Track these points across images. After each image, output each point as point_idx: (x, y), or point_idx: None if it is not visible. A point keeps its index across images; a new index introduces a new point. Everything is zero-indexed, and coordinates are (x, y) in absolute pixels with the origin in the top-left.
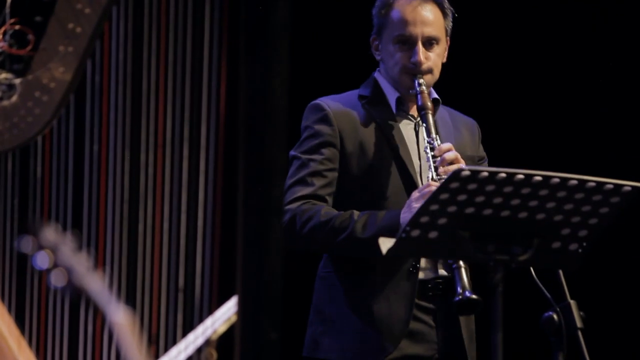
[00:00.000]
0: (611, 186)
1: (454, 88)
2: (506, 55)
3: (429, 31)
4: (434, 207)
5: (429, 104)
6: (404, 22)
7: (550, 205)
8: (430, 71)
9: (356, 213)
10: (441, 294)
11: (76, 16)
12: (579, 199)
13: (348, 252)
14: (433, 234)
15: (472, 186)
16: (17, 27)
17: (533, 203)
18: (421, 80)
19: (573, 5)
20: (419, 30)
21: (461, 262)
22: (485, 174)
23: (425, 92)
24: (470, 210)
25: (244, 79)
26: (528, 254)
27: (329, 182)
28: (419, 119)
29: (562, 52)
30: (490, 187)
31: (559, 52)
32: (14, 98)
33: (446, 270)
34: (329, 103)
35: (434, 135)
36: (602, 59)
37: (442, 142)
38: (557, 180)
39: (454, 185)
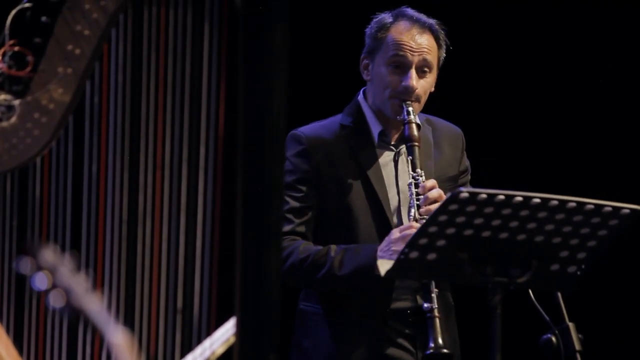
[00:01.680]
0: (610, 209)
1: (449, 100)
2: (504, 69)
3: (424, 58)
4: (433, 229)
5: (416, 134)
6: (399, 46)
7: (549, 227)
8: (418, 99)
9: (333, 249)
10: (420, 320)
11: (75, 38)
12: (577, 222)
13: (326, 288)
14: (431, 256)
15: (470, 208)
16: (16, 48)
17: (531, 225)
18: (410, 109)
19: (568, 12)
20: (414, 56)
21: (435, 312)
22: (484, 196)
23: (413, 121)
24: (468, 232)
25: (243, 100)
26: (526, 276)
27: (307, 219)
28: (401, 148)
29: (561, 65)
30: (488, 209)
31: (557, 65)
32: (13, 119)
33: (424, 300)
34: (308, 135)
35: (419, 170)
36: (603, 73)
37: (424, 169)
38: (555, 202)
39: (453, 207)
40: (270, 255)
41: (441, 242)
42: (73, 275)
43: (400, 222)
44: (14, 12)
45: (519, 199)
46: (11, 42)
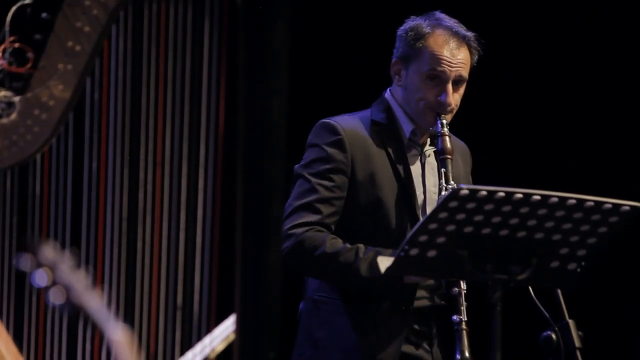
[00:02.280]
0: (610, 206)
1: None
2: (506, 66)
3: (461, 72)
4: (433, 225)
5: (449, 147)
6: (438, 60)
7: (549, 224)
8: (452, 111)
9: (361, 249)
10: (437, 320)
11: (76, 34)
12: (577, 219)
13: (349, 286)
14: (432, 253)
15: (470, 205)
16: (16, 45)
17: (532, 222)
18: (444, 121)
19: (568, 10)
20: (452, 70)
21: (463, 324)
22: (484, 193)
23: (447, 134)
24: (468, 229)
25: (243, 97)
26: (526, 273)
27: (335, 210)
28: (426, 150)
29: (561, 63)
30: (489, 206)
31: (558, 63)
32: (13, 116)
33: (442, 300)
34: (344, 126)
35: (453, 182)
36: (602, 72)
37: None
38: (555, 199)
39: (453, 204)
40: (271, 252)
41: (441, 239)
42: (73, 272)
43: None
44: (14, 8)
45: (519, 196)
46: (11, 38)
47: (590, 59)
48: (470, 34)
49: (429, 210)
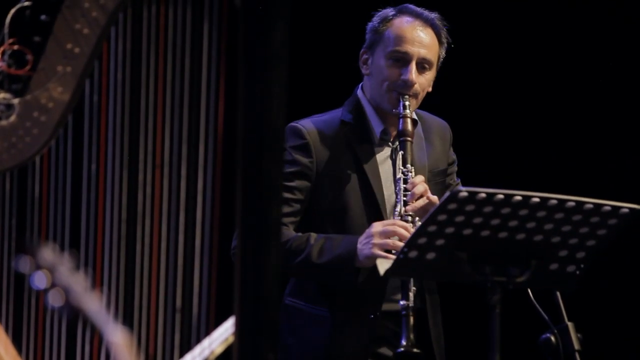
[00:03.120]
0: (609, 208)
1: (448, 100)
2: (505, 68)
3: (425, 53)
4: (432, 228)
5: (410, 129)
6: (401, 39)
7: (548, 226)
8: (416, 95)
9: (313, 236)
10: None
11: (75, 36)
12: (576, 221)
13: (301, 275)
14: (431, 255)
15: (469, 207)
16: (15, 47)
17: (531, 224)
18: (407, 103)
19: (565, 8)
20: (415, 50)
21: (410, 310)
22: (483, 195)
23: (409, 116)
24: (467, 231)
25: (242, 99)
26: (525, 275)
27: (293, 211)
28: (396, 144)
29: (560, 64)
30: (487, 209)
31: (557, 65)
32: (13, 118)
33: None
34: (310, 130)
35: (409, 166)
36: (602, 72)
37: (417, 163)
38: (554, 202)
39: (452, 206)
40: (270, 254)
41: (440, 242)
42: (72, 274)
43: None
44: (13, 10)
45: (518, 198)
46: (10, 40)
47: (590, 59)
48: (435, 16)
49: (392, 205)
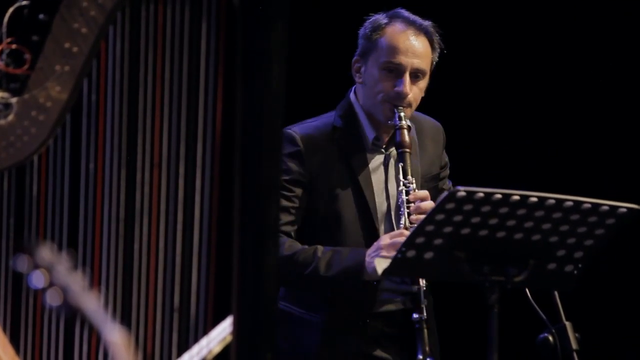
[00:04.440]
0: (607, 208)
1: (447, 100)
2: (502, 67)
3: (418, 63)
4: (430, 227)
5: (408, 140)
6: (394, 50)
7: (546, 226)
8: (410, 105)
9: (320, 249)
10: (407, 322)
11: (73, 35)
12: (574, 221)
13: (308, 288)
14: (429, 255)
15: (467, 207)
16: (13, 46)
17: (529, 224)
18: (402, 114)
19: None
20: (409, 61)
21: (424, 323)
22: (481, 194)
23: (405, 127)
24: (466, 231)
25: (241, 98)
26: (523, 275)
27: (294, 219)
28: (391, 151)
29: (558, 63)
30: (485, 208)
31: (555, 64)
32: (11, 117)
33: (414, 310)
34: (303, 137)
35: (410, 177)
36: (601, 72)
37: (414, 172)
38: (552, 201)
39: (450, 206)
40: (268, 253)
41: (438, 241)
42: (70, 274)
43: (389, 227)
44: (11, 9)
45: (516, 197)
46: (9, 39)
47: (590, 59)
48: (428, 23)
49: (393, 215)
